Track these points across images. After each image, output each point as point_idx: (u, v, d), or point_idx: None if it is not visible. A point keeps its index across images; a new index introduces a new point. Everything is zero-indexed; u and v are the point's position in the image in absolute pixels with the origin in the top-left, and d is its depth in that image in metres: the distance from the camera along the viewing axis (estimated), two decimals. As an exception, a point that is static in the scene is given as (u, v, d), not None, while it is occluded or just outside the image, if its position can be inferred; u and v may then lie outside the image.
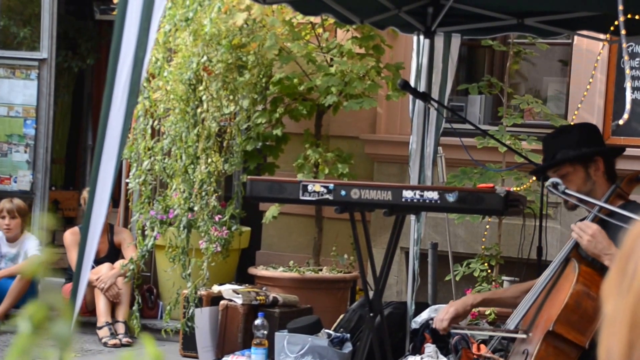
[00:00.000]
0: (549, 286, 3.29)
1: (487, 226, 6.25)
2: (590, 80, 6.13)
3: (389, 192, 3.44)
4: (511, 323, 3.31)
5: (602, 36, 5.24)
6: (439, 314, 3.49)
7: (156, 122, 6.29)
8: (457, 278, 5.99)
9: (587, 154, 3.35)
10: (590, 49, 6.40)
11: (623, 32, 2.68)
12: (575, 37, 6.40)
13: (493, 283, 5.84)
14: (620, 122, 2.86)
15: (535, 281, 3.57)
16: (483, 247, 6.07)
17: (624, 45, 2.67)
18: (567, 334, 3.13)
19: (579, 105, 6.17)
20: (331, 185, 3.49)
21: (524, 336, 3.25)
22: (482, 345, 5.05)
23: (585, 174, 3.36)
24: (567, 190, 3.20)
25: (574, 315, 3.14)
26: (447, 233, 6.15)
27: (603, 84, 6.36)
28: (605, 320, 1.15)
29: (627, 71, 2.66)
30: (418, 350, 5.13)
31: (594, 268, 3.22)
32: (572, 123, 6.21)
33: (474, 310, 5.57)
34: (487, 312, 5.59)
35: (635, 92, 6.23)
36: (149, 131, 6.26)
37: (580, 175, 3.35)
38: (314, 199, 3.51)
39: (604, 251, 3.16)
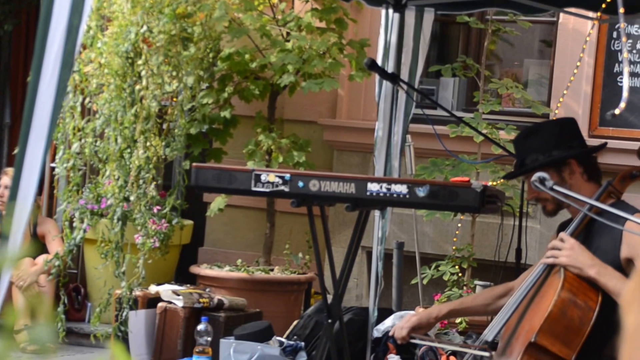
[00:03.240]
0: (532, 292, 3.31)
1: (459, 224, 6.29)
2: (578, 63, 6.20)
3: (353, 185, 3.44)
4: (489, 333, 3.33)
5: (591, 14, 5.29)
6: (400, 322, 3.56)
7: (87, 100, 6.24)
8: (425, 282, 6.03)
9: (556, 159, 3.40)
10: (577, 29, 6.47)
11: (621, 10, 2.70)
12: (561, 15, 6.46)
13: (464, 288, 5.89)
14: (617, 111, 2.87)
15: (511, 285, 3.60)
16: (454, 247, 6.12)
17: (622, 25, 2.69)
18: (551, 345, 3.14)
19: (565, 92, 6.24)
20: (287, 176, 3.49)
21: (487, 354, 3.28)
22: (451, 357, 5.10)
23: (559, 178, 3.40)
24: (555, 187, 3.23)
25: (559, 325, 3.16)
26: (414, 231, 6.19)
27: (591, 67, 6.44)
28: (626, 333, 1.15)
29: (625, 54, 2.68)
30: (380, 361, 5.16)
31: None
32: (555, 112, 6.27)
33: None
34: (458, 321, 5.64)
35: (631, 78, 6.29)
36: (79, 109, 6.21)
37: (554, 180, 3.39)
38: (267, 190, 3.51)
39: (587, 263, 3.20)
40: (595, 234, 3.34)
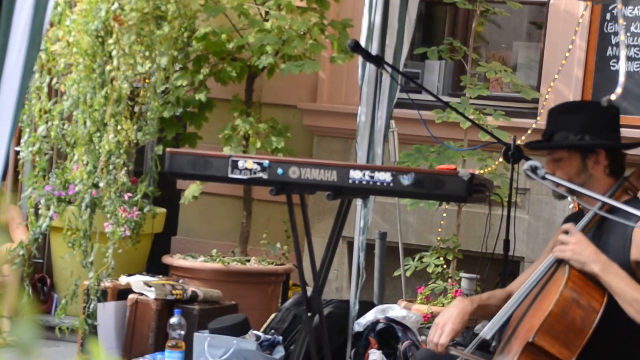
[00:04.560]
0: (536, 290, 3.30)
1: (444, 214, 6.31)
2: (570, 46, 6.21)
3: (334, 172, 3.44)
4: (488, 331, 3.31)
5: (585, -5, 5.31)
6: (432, 335, 3.34)
7: (55, 80, 6.20)
8: (408, 274, 6.05)
9: (586, 145, 3.35)
10: (569, 10, 6.48)
11: (619, -8, 2.70)
12: (553, -4, 6.48)
13: (449, 280, 5.91)
14: (613, 97, 2.87)
15: (509, 290, 3.59)
16: (439, 238, 6.13)
17: (619, 6, 2.69)
18: (550, 346, 3.12)
19: (556, 76, 6.25)
20: (266, 162, 3.49)
21: None
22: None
23: (581, 165, 3.37)
24: (547, 176, 3.22)
25: (559, 325, 3.13)
26: (397, 221, 6.20)
27: (582, 51, 6.45)
28: None
29: (622, 37, 2.67)
30: (361, 356, 5.17)
31: (587, 273, 3.22)
32: (545, 97, 6.28)
33: (426, 312, 5.65)
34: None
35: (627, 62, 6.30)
36: (46, 90, 6.17)
37: (575, 165, 3.37)
38: (245, 177, 3.50)
39: (591, 257, 3.18)
40: (605, 232, 3.31)
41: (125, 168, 6.14)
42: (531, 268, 3.60)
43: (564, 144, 3.37)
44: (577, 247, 3.21)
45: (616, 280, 3.17)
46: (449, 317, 3.37)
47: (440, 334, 3.33)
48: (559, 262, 3.29)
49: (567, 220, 3.52)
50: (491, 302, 3.51)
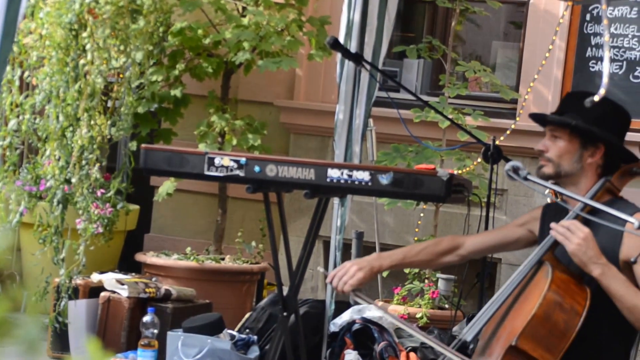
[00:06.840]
0: (516, 292, 3.30)
1: (422, 214, 6.33)
2: (550, 47, 6.24)
3: (312, 170, 3.44)
4: (469, 332, 3.32)
5: (565, -5, 5.34)
6: (341, 274, 3.42)
7: (27, 73, 6.17)
8: (385, 274, 6.06)
9: (591, 134, 3.33)
10: (549, 10, 6.52)
11: (604, -8, 2.72)
12: (534, -5, 6.51)
13: (426, 281, 5.93)
14: (596, 98, 2.89)
15: (461, 241, 3.60)
16: (416, 238, 6.15)
17: (604, 7, 2.71)
18: (532, 351, 3.13)
19: (536, 76, 6.28)
20: (243, 160, 3.48)
21: None
22: (411, 354, 5.13)
23: (578, 154, 3.35)
24: (529, 177, 3.23)
25: (542, 328, 3.14)
26: (374, 221, 6.21)
27: (562, 51, 6.49)
28: None
29: (606, 38, 2.69)
30: (337, 356, 5.18)
31: (571, 275, 3.23)
32: (525, 97, 6.31)
33: (403, 313, 5.67)
34: (419, 316, 5.68)
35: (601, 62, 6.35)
36: (17, 83, 6.14)
37: (572, 151, 3.35)
38: (221, 174, 3.50)
39: (593, 259, 3.17)
40: (593, 228, 3.32)
41: (99, 164, 6.12)
42: (499, 229, 3.68)
43: (569, 123, 3.32)
44: (583, 243, 3.18)
45: (615, 285, 3.17)
46: (361, 268, 3.45)
47: (351, 276, 3.42)
48: (540, 263, 3.30)
49: (548, 207, 3.52)
50: (420, 257, 3.59)
